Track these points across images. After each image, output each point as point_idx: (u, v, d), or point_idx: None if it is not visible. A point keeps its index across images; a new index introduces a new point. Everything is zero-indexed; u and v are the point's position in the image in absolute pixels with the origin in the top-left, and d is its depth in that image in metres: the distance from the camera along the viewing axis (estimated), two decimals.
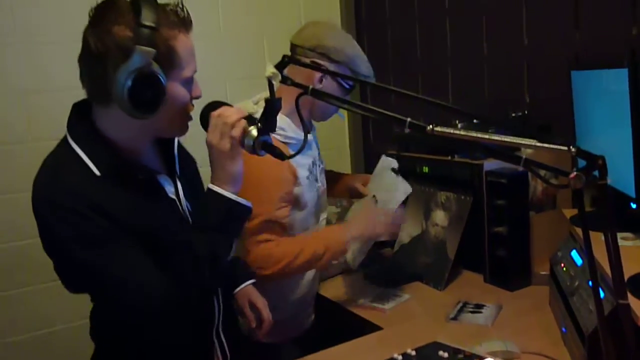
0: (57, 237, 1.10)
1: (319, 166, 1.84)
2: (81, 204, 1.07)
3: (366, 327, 1.70)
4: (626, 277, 1.23)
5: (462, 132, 0.87)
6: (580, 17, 1.91)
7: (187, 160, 1.38)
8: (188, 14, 1.14)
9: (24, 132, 2.23)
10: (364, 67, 1.71)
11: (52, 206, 1.09)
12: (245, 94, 1.81)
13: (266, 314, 1.52)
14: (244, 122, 1.15)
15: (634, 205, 1.42)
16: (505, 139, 0.88)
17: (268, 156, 1.18)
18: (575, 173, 0.84)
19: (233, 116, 1.14)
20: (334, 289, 1.99)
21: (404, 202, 1.85)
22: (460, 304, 1.71)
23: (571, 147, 0.85)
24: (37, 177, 1.14)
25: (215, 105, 1.19)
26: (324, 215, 1.89)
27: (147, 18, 1.04)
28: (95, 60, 1.07)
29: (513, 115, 2.02)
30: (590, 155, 0.85)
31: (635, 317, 1.12)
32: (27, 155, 2.17)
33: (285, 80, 1.10)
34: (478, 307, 1.68)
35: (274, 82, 1.11)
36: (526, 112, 2.04)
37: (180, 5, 1.13)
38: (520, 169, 1.46)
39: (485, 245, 1.87)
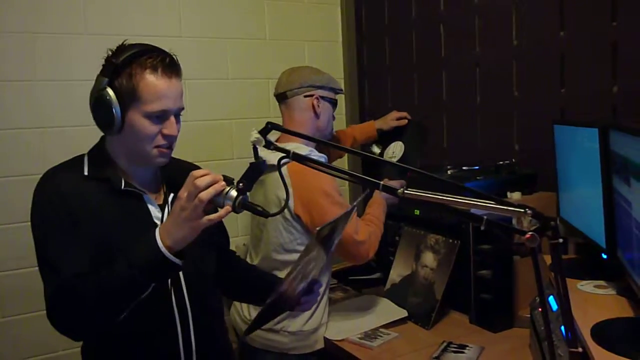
0: (31, 220, 1.30)
1: None
2: (54, 192, 1.28)
3: None
4: (592, 325, 1.32)
5: (429, 195, 0.98)
6: (565, 73, 2.03)
7: None
8: (170, 62, 1.31)
9: None
10: (337, 84, 2.09)
11: (35, 193, 1.31)
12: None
13: None
14: (218, 186, 1.13)
15: (604, 256, 1.50)
16: (468, 201, 0.98)
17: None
18: (530, 234, 0.94)
19: (205, 179, 1.14)
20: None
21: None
22: (445, 344, 1.79)
23: (526, 209, 0.96)
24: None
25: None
26: None
27: (117, 56, 1.28)
28: None
29: (501, 163, 2.13)
30: (544, 217, 0.96)
31: None
32: None
33: (268, 145, 1.18)
34: (461, 348, 1.76)
35: (257, 147, 1.19)
36: (514, 160, 2.15)
37: (165, 55, 1.31)
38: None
39: (471, 287, 1.95)
